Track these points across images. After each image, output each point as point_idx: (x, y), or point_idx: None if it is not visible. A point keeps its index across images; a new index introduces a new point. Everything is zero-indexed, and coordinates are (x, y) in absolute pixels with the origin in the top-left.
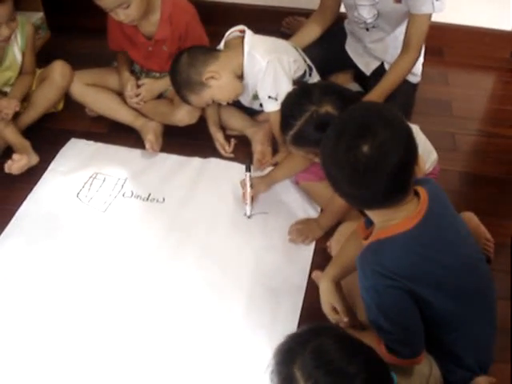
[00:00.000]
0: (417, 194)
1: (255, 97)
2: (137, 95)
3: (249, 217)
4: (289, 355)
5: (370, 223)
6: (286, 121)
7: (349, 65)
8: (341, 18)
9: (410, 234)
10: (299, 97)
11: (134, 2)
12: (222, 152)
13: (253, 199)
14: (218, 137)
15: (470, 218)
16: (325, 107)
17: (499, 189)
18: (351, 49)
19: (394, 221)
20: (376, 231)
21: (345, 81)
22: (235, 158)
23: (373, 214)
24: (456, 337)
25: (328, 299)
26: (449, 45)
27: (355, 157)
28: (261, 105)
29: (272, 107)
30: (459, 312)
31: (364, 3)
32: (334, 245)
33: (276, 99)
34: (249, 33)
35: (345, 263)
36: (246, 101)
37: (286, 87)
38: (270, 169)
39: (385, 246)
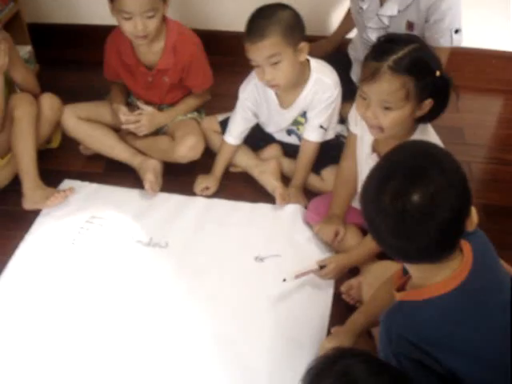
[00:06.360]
0: (460, 248)
1: (296, 122)
2: (136, 121)
3: (284, 280)
4: (316, 379)
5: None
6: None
7: (356, 93)
8: (343, 45)
9: (450, 297)
10: None
11: (158, 16)
12: None
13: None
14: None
15: None
16: None
17: None
18: (357, 77)
19: (434, 279)
20: (411, 288)
21: None
22: (241, 198)
23: (412, 268)
24: None
25: None
26: (456, 69)
27: (403, 205)
28: (288, 132)
29: (318, 137)
30: None
31: (372, 26)
32: (366, 288)
33: (325, 130)
34: (312, 60)
35: (373, 315)
36: (279, 126)
37: (335, 121)
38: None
39: (420, 309)
